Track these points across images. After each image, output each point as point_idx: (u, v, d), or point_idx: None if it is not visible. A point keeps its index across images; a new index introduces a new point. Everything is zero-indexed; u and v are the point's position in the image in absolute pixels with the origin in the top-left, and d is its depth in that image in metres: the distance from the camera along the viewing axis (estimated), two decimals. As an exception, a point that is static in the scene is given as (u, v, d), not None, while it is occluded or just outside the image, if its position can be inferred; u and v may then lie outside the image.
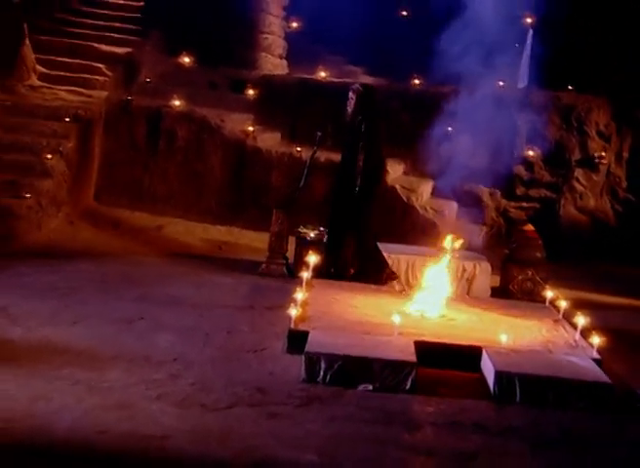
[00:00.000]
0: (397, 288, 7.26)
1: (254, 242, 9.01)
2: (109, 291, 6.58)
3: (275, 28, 12.08)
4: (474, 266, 7.57)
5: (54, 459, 3.72)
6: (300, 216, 8.46)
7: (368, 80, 12.01)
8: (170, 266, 7.60)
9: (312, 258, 7.05)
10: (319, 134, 8.02)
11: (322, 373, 5.05)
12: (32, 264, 7.07)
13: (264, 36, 11.83)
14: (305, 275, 6.70)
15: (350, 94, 7.39)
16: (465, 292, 7.37)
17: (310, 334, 5.47)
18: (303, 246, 7.92)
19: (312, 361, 5.08)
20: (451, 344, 5.63)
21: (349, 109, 7.37)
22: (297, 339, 5.59)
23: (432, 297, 6.52)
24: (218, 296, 6.80)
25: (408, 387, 5.02)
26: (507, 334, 5.71)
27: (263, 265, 7.89)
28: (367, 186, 7.41)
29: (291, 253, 8.01)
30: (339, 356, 5.10)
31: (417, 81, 10.46)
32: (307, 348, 5.18)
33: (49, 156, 8.55)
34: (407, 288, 7.28)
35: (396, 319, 5.69)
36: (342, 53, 12.70)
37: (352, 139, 7.34)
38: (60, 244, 7.97)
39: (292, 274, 7.85)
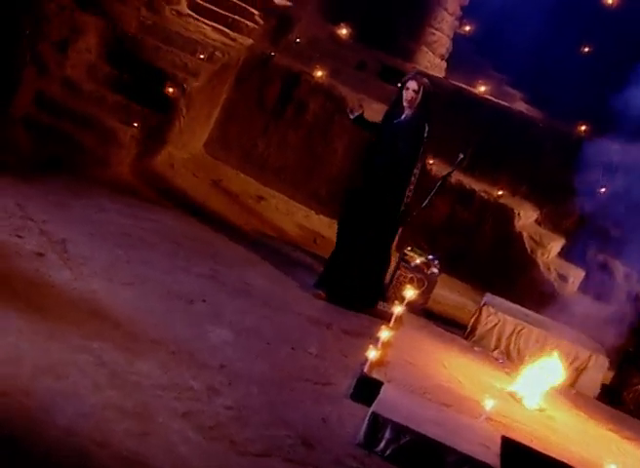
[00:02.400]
0: (495, 354, 6.23)
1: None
2: (180, 256, 5.80)
3: (445, 26, 11.11)
4: (589, 357, 6.41)
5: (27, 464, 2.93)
6: (410, 234, 7.55)
7: (522, 107, 10.99)
8: (255, 247, 6.77)
9: (409, 292, 6.10)
10: (461, 155, 6.98)
11: (384, 444, 4.12)
12: (115, 200, 6.37)
13: (432, 31, 10.89)
14: (397, 309, 5.75)
15: (413, 84, 6.01)
16: (571, 383, 6.25)
17: (383, 389, 4.53)
18: (405, 269, 6.98)
19: (377, 425, 4.14)
20: (544, 455, 4.58)
21: (407, 103, 6.00)
22: (367, 386, 4.68)
23: (535, 382, 5.48)
24: (294, 299, 5.93)
25: (481, 497, 4.04)
26: (616, 465, 4.63)
27: (354, 279, 6.98)
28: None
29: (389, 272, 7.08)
30: (409, 430, 4.14)
31: (583, 127, 9.26)
32: (375, 407, 4.25)
33: (170, 90, 7.84)
34: (505, 358, 6.25)
35: (488, 404, 4.69)
36: (505, 72, 11.66)
37: (412, 142, 6.01)
38: (152, 184, 7.25)
39: (384, 298, 6.92)
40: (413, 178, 6.08)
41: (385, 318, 5.85)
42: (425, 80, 6.14)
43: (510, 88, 11.74)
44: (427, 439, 4.13)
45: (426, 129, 6.02)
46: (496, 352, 6.26)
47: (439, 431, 4.25)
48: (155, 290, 5.01)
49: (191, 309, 4.97)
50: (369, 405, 4.40)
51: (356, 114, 6.36)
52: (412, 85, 6.03)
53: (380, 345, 5.13)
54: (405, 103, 6.06)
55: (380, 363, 4.94)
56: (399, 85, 6.20)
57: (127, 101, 7.55)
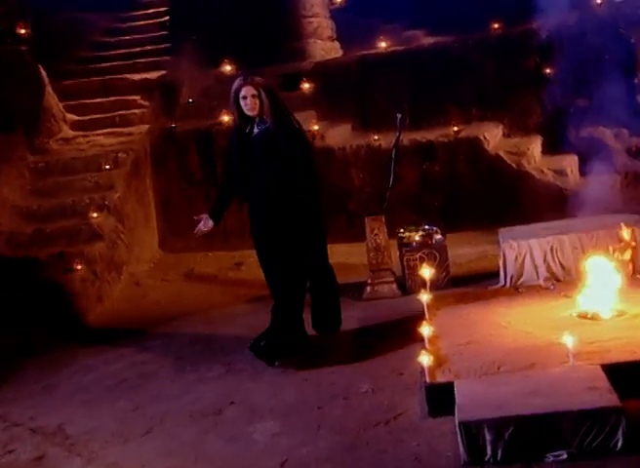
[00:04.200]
0: (543, 285, 5.65)
1: (349, 258, 7.52)
2: (188, 369, 5.24)
3: (319, 9, 10.62)
4: (632, 234, 5.82)
5: None
6: (395, 214, 6.98)
7: (430, 41, 10.49)
8: (256, 315, 6.16)
9: (427, 272, 5.55)
10: (399, 115, 6.47)
11: (490, 449, 3.54)
12: (96, 351, 5.82)
13: (308, 20, 10.39)
14: (425, 297, 5.19)
15: (249, 89, 4.98)
16: (630, 271, 5.65)
17: (457, 389, 3.95)
18: (410, 252, 6.44)
19: (471, 433, 3.56)
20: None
21: (254, 112, 5.00)
22: (439, 394, 4.11)
23: (598, 290, 4.91)
24: (320, 346, 5.36)
25: (619, 446, 3.45)
26: None
27: (368, 288, 6.42)
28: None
29: (394, 261, 6.53)
30: (507, 419, 3.56)
31: (495, 25, 8.74)
32: (459, 415, 3.67)
33: (94, 215, 7.34)
34: (554, 282, 5.67)
35: (568, 341, 4.11)
36: (398, 19, 11.15)
37: (298, 143, 5.12)
38: (127, 313, 6.72)
39: (405, 291, 6.38)
40: (317, 181, 5.27)
41: (417, 311, 5.29)
42: (257, 78, 5.10)
43: (410, 31, 11.26)
44: (531, 417, 3.55)
45: (295, 122, 5.17)
46: (542, 282, 5.69)
47: (538, 401, 3.68)
48: (177, 421, 4.44)
49: (223, 419, 4.40)
50: (452, 413, 3.84)
51: (211, 218, 5.33)
52: (247, 91, 4.99)
53: (427, 344, 4.57)
54: (251, 113, 5.02)
55: (438, 362, 4.38)
56: (232, 97, 5.07)
57: (61, 249, 7.05)
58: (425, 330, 4.65)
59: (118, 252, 7.40)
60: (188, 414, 4.50)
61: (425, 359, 4.26)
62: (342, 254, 7.64)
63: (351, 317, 5.84)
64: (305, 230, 5.18)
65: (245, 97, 5.02)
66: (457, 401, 3.83)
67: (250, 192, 5.21)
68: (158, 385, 5.03)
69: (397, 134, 6.56)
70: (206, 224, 5.37)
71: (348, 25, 11.02)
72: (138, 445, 4.22)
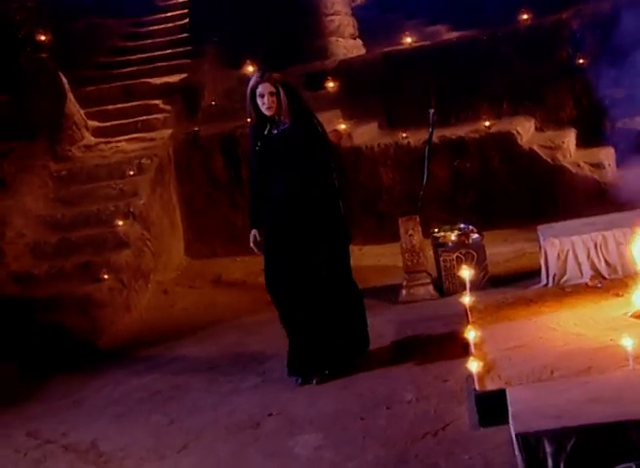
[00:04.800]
0: (589, 283, 5.38)
1: (381, 259, 7.35)
2: (221, 380, 5.04)
3: (340, 7, 10.44)
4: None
5: None
6: (427, 214, 6.75)
7: (454, 36, 10.25)
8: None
9: (466, 273, 5.31)
10: (432, 110, 6.26)
11: (551, 462, 3.28)
12: (125, 364, 5.66)
13: (330, 19, 10.21)
14: (466, 299, 4.96)
15: (266, 87, 4.59)
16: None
17: (510, 399, 3.70)
18: (446, 252, 6.21)
19: (529, 446, 3.32)
20: None
21: (271, 111, 4.61)
22: (490, 403, 3.87)
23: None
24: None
25: (693, 456, 3.21)
26: None
27: (404, 291, 6.20)
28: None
29: (430, 262, 6.32)
30: (568, 429, 3.31)
31: (524, 16, 8.47)
32: (516, 426, 3.43)
33: (120, 222, 7.19)
34: (601, 280, 5.41)
35: (626, 342, 3.86)
36: (420, 15, 10.94)
37: (318, 148, 4.75)
38: (155, 323, 6.56)
39: (442, 292, 6.16)
40: (336, 182, 4.83)
41: (456, 314, 5.08)
42: (275, 74, 4.68)
43: (433, 26, 11.05)
44: (594, 427, 3.29)
45: (317, 124, 4.77)
46: (588, 280, 5.42)
47: (600, 409, 3.43)
48: (214, 435, 4.24)
49: (261, 433, 4.20)
50: (505, 422, 3.61)
51: (254, 228, 4.94)
52: (264, 89, 4.59)
53: (473, 349, 4.34)
54: (269, 113, 4.63)
55: (486, 369, 4.14)
56: (248, 95, 4.66)
57: (87, 259, 6.91)
58: (471, 333, 4.41)
59: (145, 259, 7.24)
60: (225, 428, 4.31)
61: (474, 365, 4.03)
62: (374, 256, 7.46)
63: (388, 321, 5.64)
64: (326, 230, 4.79)
65: (262, 95, 4.61)
66: (510, 410, 3.58)
67: (269, 191, 4.83)
68: (192, 397, 4.85)
69: (430, 130, 6.35)
70: (255, 241, 4.95)
71: (370, 23, 10.85)
72: (174, 461, 4.03)
